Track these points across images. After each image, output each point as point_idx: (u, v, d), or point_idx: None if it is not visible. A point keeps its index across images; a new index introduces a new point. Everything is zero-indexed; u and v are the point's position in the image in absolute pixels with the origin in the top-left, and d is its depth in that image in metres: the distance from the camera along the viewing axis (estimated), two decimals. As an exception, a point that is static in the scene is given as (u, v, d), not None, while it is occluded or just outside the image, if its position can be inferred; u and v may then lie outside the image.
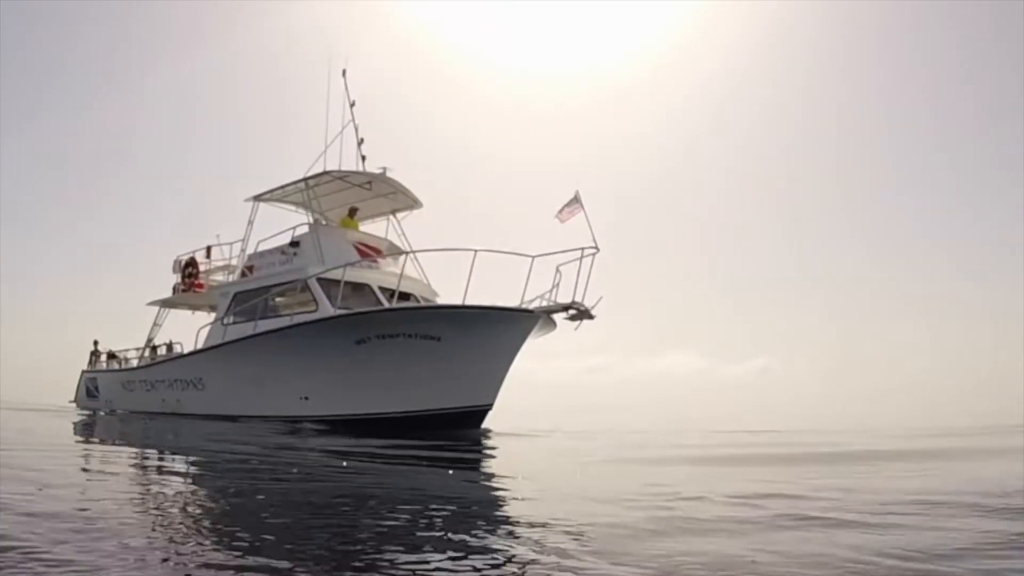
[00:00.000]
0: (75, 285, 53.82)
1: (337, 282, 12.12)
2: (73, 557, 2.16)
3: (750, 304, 48.58)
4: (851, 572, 2.16)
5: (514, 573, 2.18)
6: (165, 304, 18.60)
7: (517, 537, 2.70)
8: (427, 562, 2.28)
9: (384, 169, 14.37)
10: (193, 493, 3.98)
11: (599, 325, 11.20)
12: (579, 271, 10.59)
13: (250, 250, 15.18)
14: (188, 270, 17.14)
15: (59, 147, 57.12)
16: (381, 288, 12.86)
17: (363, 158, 15.05)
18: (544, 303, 11.12)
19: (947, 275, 47.44)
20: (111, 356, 19.79)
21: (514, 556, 2.38)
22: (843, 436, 11.88)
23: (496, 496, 4.37)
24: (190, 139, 61.08)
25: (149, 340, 18.35)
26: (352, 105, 15.44)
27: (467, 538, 2.65)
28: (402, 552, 2.41)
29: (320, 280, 12.52)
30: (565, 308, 10.78)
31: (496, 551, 2.46)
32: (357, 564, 2.28)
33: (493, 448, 8.75)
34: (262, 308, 13.34)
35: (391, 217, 16.02)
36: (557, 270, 11.15)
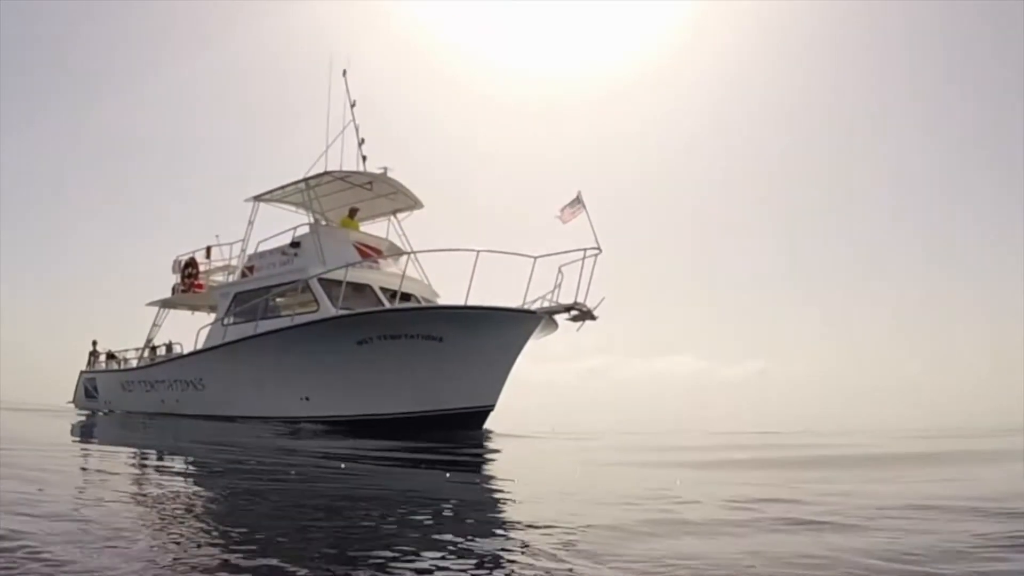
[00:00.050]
0: (75, 285, 53.84)
1: (338, 282, 12.12)
2: (75, 558, 2.17)
3: (747, 305, 48.61)
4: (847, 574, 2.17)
5: (502, 573, 2.19)
6: (164, 304, 18.58)
7: (508, 539, 2.72)
8: (417, 563, 2.28)
9: (385, 169, 14.38)
10: (191, 495, 3.99)
11: (597, 326, 11.22)
12: (581, 272, 10.62)
13: (250, 250, 15.19)
14: (188, 270, 17.14)
15: (59, 147, 57.19)
16: (382, 289, 12.86)
17: (364, 158, 15.07)
18: (546, 304, 11.13)
19: (946, 275, 47.47)
20: (110, 356, 19.76)
21: (500, 558, 2.39)
22: (841, 438, 11.89)
23: (492, 498, 4.38)
24: (190, 139, 61.14)
25: (148, 340, 18.33)
26: (353, 105, 15.47)
27: (456, 540, 2.66)
28: (390, 554, 2.42)
29: (322, 280, 12.52)
30: (567, 309, 10.79)
31: (485, 553, 2.47)
32: (346, 567, 2.29)
33: (494, 449, 8.76)
34: (263, 308, 13.34)
35: (391, 217, 16.02)
36: (559, 271, 11.17)
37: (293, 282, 13.09)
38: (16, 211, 49.75)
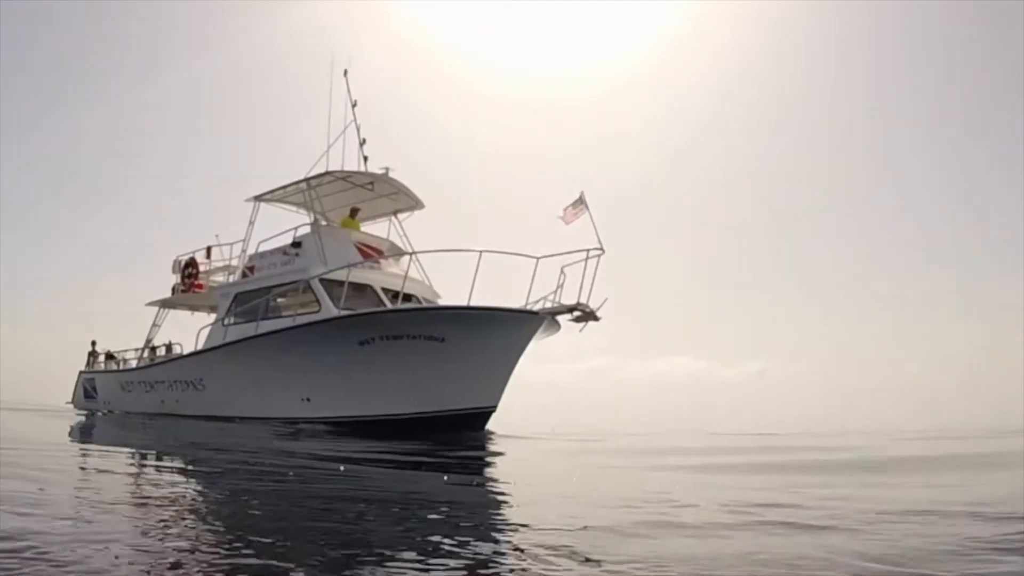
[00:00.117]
0: (75, 285, 53.89)
1: (340, 283, 12.12)
2: (77, 558, 2.18)
3: (747, 306, 48.65)
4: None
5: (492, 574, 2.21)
6: (164, 305, 18.56)
7: (504, 542, 2.73)
8: (413, 565, 2.29)
9: (386, 169, 14.39)
10: (191, 495, 4.00)
11: (599, 327, 11.22)
12: (584, 272, 10.61)
13: (251, 250, 15.20)
14: (188, 270, 17.14)
15: (60, 147, 57.25)
16: (384, 289, 12.85)
17: (365, 158, 15.09)
18: (549, 304, 11.13)
19: (946, 275, 47.46)
20: (109, 357, 19.75)
21: (490, 560, 2.40)
22: (840, 440, 11.89)
23: (491, 500, 4.39)
24: (191, 139, 61.20)
25: (148, 341, 18.34)
26: (354, 105, 15.48)
27: (453, 542, 2.66)
28: (387, 556, 2.43)
29: (323, 281, 12.52)
30: (570, 310, 10.77)
31: (481, 555, 2.48)
32: (344, 568, 2.30)
33: (495, 450, 8.76)
34: (264, 309, 13.34)
35: (392, 218, 16.03)
36: (562, 271, 11.16)
37: (294, 282, 13.09)
38: (16, 211, 49.82)
